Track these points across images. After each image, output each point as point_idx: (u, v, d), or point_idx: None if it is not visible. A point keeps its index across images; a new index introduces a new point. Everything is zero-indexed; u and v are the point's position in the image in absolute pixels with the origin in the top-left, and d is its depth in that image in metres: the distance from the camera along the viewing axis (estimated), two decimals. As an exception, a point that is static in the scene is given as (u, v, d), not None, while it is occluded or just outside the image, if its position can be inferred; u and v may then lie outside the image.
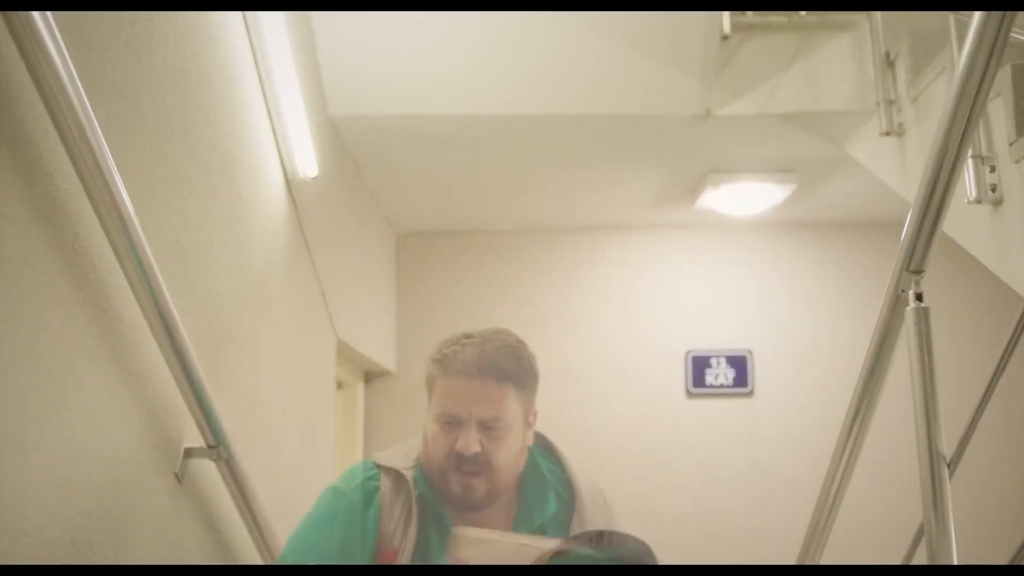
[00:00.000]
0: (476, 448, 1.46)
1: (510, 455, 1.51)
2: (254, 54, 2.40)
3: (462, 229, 4.73)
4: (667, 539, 4.91)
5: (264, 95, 2.48)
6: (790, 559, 2.48)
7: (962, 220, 2.22)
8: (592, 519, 1.57)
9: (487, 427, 1.48)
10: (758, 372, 4.66)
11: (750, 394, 4.66)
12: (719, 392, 4.65)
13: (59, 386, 1.36)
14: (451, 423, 1.48)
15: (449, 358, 1.50)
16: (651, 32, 3.06)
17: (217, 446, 1.78)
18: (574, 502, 1.59)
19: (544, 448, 1.67)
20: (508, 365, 1.51)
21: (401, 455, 1.59)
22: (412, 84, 3.09)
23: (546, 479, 1.59)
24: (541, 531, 1.55)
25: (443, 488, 1.50)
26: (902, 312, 1.61)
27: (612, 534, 1.53)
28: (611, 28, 3.03)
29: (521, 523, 1.55)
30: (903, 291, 1.62)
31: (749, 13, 3.12)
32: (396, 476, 1.54)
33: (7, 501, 1.22)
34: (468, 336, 1.53)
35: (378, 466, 1.57)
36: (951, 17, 2.18)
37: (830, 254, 4.73)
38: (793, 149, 3.59)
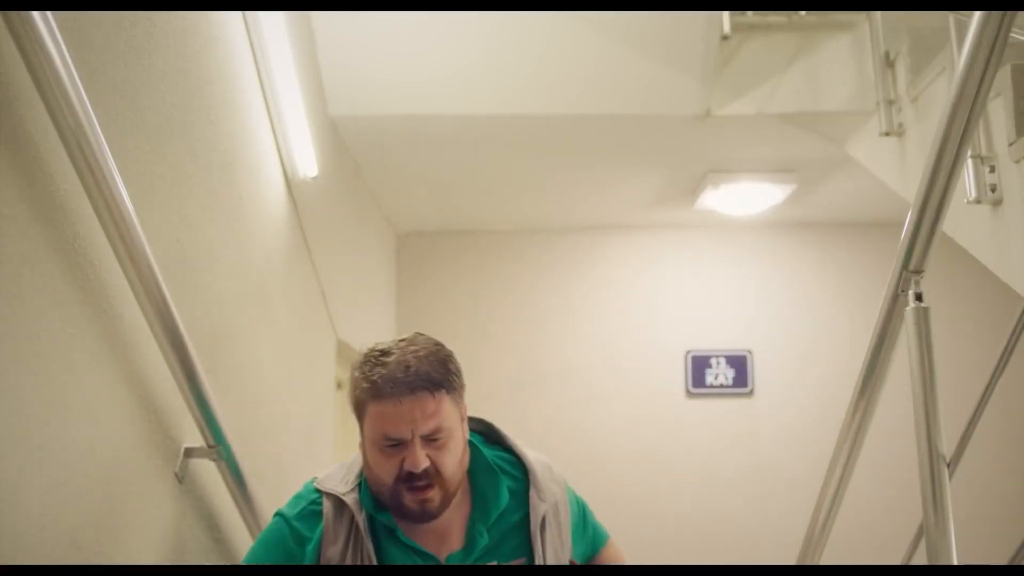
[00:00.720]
0: (425, 463, 1.45)
1: (456, 458, 1.50)
2: (254, 54, 2.40)
3: (462, 229, 4.73)
4: (667, 539, 4.91)
5: (264, 95, 2.48)
6: (790, 559, 2.48)
7: (962, 220, 2.22)
8: (548, 491, 1.58)
9: (431, 440, 1.46)
10: (758, 372, 4.66)
11: (750, 394, 4.66)
12: (719, 392, 4.65)
13: (59, 386, 1.36)
14: (395, 445, 1.46)
15: (378, 383, 1.45)
16: (651, 32, 3.06)
17: (217, 446, 1.78)
18: (527, 478, 1.59)
19: (484, 435, 1.66)
20: (436, 374, 1.47)
21: (339, 478, 1.58)
22: (412, 84, 3.09)
23: (494, 468, 1.59)
24: (501, 519, 1.56)
25: (397, 506, 1.50)
26: (902, 312, 1.61)
27: None
28: (611, 28, 3.03)
29: (478, 519, 1.55)
30: (903, 291, 1.62)
31: (749, 13, 3.12)
32: (337, 501, 1.54)
33: (8, 501, 1.22)
34: (385, 353, 1.48)
35: (319, 491, 1.57)
36: (951, 17, 2.18)
37: (830, 254, 4.73)
38: (793, 149, 3.59)
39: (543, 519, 1.56)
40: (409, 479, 1.46)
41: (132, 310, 1.54)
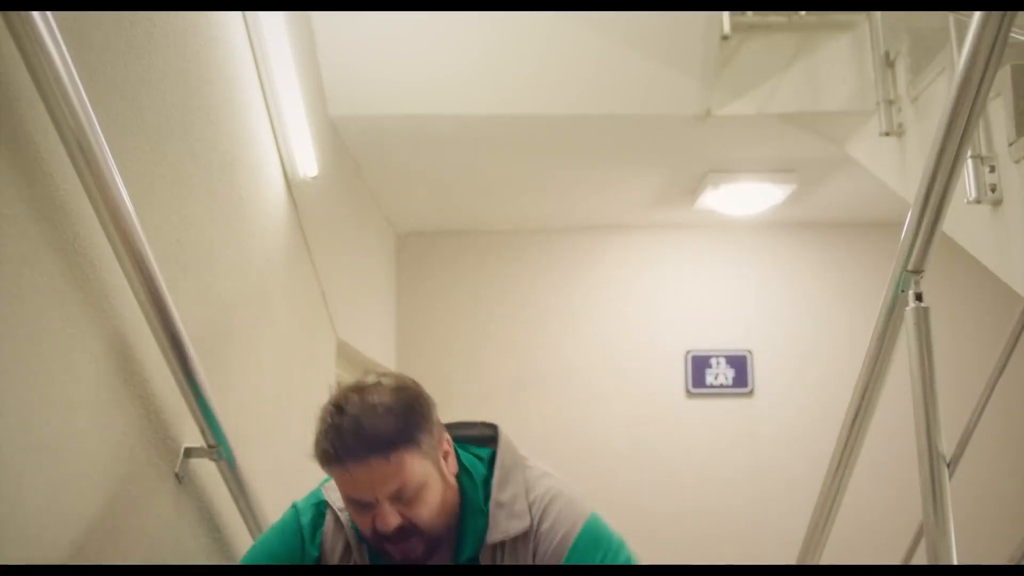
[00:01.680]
0: (395, 522, 1.37)
1: (434, 507, 1.41)
2: (254, 54, 2.40)
3: (462, 229, 4.73)
4: (667, 539, 4.90)
5: (264, 95, 2.48)
6: (790, 559, 2.48)
7: (962, 220, 2.22)
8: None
9: (397, 497, 1.37)
10: (758, 372, 4.66)
11: (750, 394, 4.66)
12: (719, 392, 4.65)
13: (59, 386, 1.36)
14: (363, 506, 1.39)
15: (328, 451, 1.36)
16: (651, 32, 3.06)
17: (217, 446, 1.78)
18: (534, 524, 1.46)
19: (489, 456, 1.54)
20: (391, 433, 1.35)
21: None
22: (412, 84, 3.09)
23: (484, 511, 1.48)
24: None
25: (383, 552, 1.44)
26: (902, 312, 1.61)
27: None
28: (611, 28, 3.03)
29: (463, 552, 1.47)
30: (903, 291, 1.62)
31: (749, 13, 3.12)
32: (335, 515, 1.51)
33: (8, 501, 1.22)
34: (339, 410, 1.37)
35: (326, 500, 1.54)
36: (951, 17, 2.18)
37: (830, 254, 4.73)
38: (793, 149, 3.59)
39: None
40: (385, 535, 1.38)
41: (132, 310, 1.54)
